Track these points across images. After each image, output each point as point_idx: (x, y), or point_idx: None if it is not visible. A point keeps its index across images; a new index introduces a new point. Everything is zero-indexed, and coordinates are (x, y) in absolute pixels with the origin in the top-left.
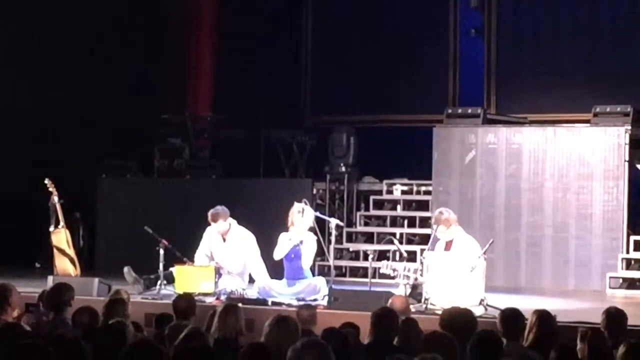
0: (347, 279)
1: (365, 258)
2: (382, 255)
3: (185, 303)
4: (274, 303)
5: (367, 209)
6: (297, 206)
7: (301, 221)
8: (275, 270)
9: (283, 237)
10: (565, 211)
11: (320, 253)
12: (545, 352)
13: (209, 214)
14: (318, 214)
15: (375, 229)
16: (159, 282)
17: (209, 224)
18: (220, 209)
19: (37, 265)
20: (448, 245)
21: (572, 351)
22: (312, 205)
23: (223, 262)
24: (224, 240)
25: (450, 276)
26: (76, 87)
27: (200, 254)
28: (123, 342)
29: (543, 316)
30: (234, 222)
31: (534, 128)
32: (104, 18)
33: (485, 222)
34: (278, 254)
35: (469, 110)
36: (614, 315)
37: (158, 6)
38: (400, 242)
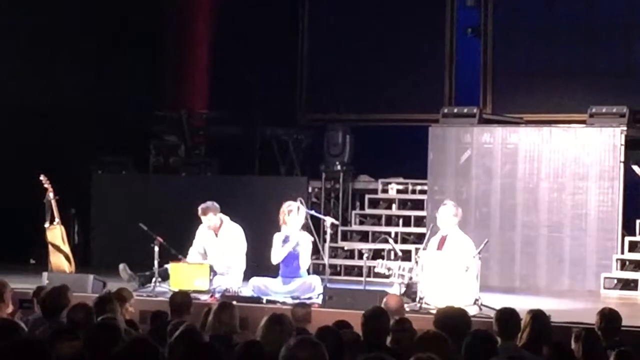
0: (342, 277)
1: (360, 257)
2: (377, 254)
3: (182, 300)
4: (268, 301)
5: (362, 208)
6: (286, 205)
7: (293, 220)
8: (270, 268)
9: (277, 238)
10: (560, 211)
11: (315, 251)
12: (539, 351)
13: (199, 208)
14: (313, 212)
15: (370, 228)
16: (153, 279)
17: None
18: (209, 203)
19: (32, 261)
20: (441, 244)
21: (565, 348)
22: (307, 203)
23: (216, 259)
24: (216, 235)
25: (445, 276)
26: (72, 83)
27: (193, 252)
28: (116, 339)
29: (537, 316)
30: (226, 218)
31: (529, 128)
32: (100, 14)
33: (480, 222)
34: (276, 257)
35: (465, 110)
36: (609, 316)
37: (155, 3)
38: (395, 241)
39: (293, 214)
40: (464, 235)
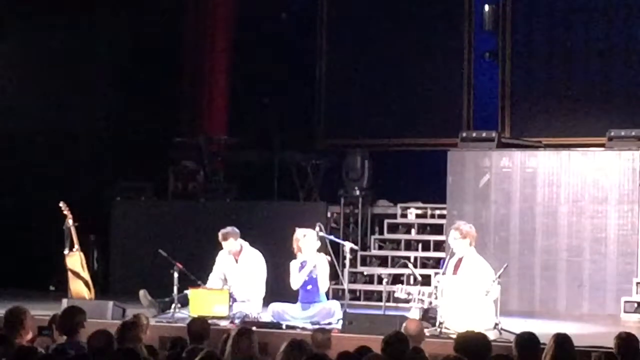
0: (362, 302)
1: (380, 282)
2: (396, 279)
3: (200, 326)
4: (288, 327)
5: (381, 233)
6: (299, 232)
7: (307, 245)
8: (289, 293)
9: (293, 266)
10: (579, 235)
11: (335, 277)
12: None
13: (220, 233)
14: (332, 237)
15: (389, 253)
16: (173, 305)
17: (222, 247)
18: (230, 228)
19: (52, 288)
20: (456, 268)
21: None
22: (326, 228)
23: (236, 285)
24: (237, 261)
25: (465, 300)
26: (90, 110)
27: (214, 278)
28: None
29: (561, 340)
30: (245, 243)
31: (548, 152)
32: (118, 40)
33: (500, 246)
34: (295, 283)
35: (484, 134)
36: (625, 340)
37: (173, 29)
38: (415, 266)
39: (306, 239)
40: (480, 258)
